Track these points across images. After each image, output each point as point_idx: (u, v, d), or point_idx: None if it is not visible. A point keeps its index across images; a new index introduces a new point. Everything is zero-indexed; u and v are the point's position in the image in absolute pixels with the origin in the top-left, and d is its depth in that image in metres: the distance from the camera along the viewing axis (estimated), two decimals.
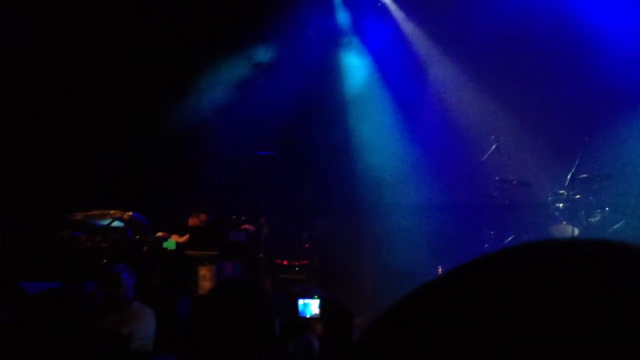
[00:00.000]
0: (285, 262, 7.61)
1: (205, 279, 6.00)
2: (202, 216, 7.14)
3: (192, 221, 7.10)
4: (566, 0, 7.99)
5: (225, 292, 2.14)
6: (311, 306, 4.20)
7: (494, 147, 7.50)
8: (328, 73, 9.03)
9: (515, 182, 7.34)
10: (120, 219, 6.36)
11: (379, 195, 8.77)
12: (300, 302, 4.21)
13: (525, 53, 8.07)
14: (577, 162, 6.85)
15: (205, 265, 6.15)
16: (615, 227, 6.95)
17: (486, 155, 7.57)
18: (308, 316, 4.17)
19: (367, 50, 9.11)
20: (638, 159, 7.24)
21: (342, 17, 9.11)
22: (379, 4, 9.01)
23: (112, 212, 6.45)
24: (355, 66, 9.14)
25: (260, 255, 7.16)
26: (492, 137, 7.58)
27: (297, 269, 7.60)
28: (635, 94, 7.41)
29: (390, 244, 7.92)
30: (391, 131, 8.82)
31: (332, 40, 9.09)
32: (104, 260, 5.69)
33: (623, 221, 6.94)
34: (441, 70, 8.75)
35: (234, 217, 7.24)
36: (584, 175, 6.93)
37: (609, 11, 7.77)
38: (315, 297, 4.29)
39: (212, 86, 8.96)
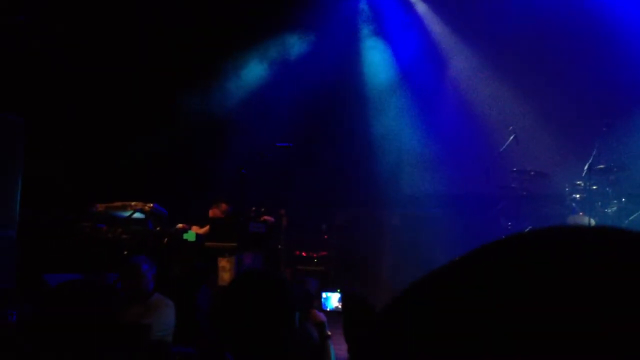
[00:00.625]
0: (304, 254, 7.69)
1: (225, 270, 6.08)
2: (223, 206, 7.20)
3: (212, 212, 7.18)
4: None
5: (245, 284, 2.19)
6: (332, 300, 4.22)
7: (511, 138, 7.49)
8: (350, 64, 9.07)
9: (532, 173, 7.34)
10: (141, 211, 6.45)
11: (397, 186, 8.80)
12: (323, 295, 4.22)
13: (542, 44, 8.04)
14: (594, 153, 6.82)
15: (225, 256, 6.22)
16: (632, 217, 6.92)
17: (504, 147, 7.57)
18: (328, 309, 4.19)
19: (389, 41, 9.12)
20: None
21: (365, 6, 9.13)
22: None
23: (133, 203, 6.54)
24: (377, 57, 9.17)
25: (280, 246, 7.24)
26: (510, 127, 7.56)
27: (315, 260, 7.67)
28: None
29: (409, 234, 7.98)
30: (411, 122, 8.85)
31: (355, 31, 9.12)
32: (125, 252, 5.79)
33: (639, 212, 6.92)
34: (461, 62, 8.76)
35: (253, 208, 7.31)
36: (601, 166, 6.90)
37: (629, 2, 7.70)
38: (338, 290, 4.29)
39: (234, 77, 9.05)
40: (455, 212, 7.90)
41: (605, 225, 0.58)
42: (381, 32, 9.15)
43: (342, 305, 4.22)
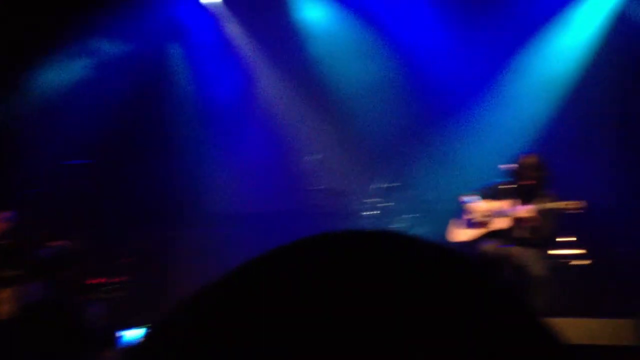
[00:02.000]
0: (101, 280, 7.28)
1: (4, 302, 5.52)
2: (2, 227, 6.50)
3: None
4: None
5: (29, 316, 2.05)
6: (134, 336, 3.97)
7: (313, 156, 7.82)
8: (157, 77, 8.82)
9: (329, 191, 7.73)
10: None
11: (198, 205, 8.74)
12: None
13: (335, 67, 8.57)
14: (383, 172, 7.39)
15: (6, 287, 5.68)
16: (414, 232, 7.59)
17: (308, 164, 7.87)
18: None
19: (195, 57, 9.01)
20: (433, 170, 8.01)
21: (172, 14, 8.90)
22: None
23: None
24: (180, 68, 9.02)
25: (73, 273, 6.78)
26: (314, 147, 7.91)
27: (112, 286, 7.30)
28: (429, 113, 8.24)
29: (210, 254, 7.91)
30: (211, 137, 8.85)
31: (162, 44, 8.88)
32: None
33: (422, 227, 7.61)
34: (266, 80, 8.95)
35: (44, 231, 6.77)
36: (390, 185, 7.49)
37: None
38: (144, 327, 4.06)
39: (31, 86, 8.34)
40: (256, 230, 8.01)
41: (382, 229, 0.62)
42: (188, 47, 9.04)
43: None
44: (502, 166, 5.25)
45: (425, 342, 0.51)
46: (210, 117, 8.82)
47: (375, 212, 7.49)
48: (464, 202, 5.77)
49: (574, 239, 6.98)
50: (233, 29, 8.98)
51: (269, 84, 8.88)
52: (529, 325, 0.57)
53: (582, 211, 5.14)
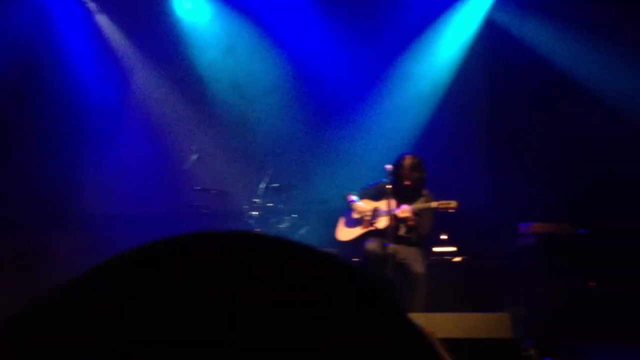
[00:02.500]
0: None
1: None
2: None
3: None
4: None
5: None
6: None
7: (195, 157, 7.64)
8: (22, 69, 8.24)
9: (214, 191, 7.58)
10: None
11: (72, 206, 8.31)
12: None
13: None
14: (269, 172, 7.36)
15: None
16: (301, 231, 7.62)
17: (187, 165, 7.68)
18: None
19: (66, 47, 8.49)
20: (319, 171, 8.10)
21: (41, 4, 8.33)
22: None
23: None
24: (51, 62, 8.48)
25: None
26: (194, 147, 7.72)
27: None
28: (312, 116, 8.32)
29: (83, 257, 7.52)
30: (88, 135, 8.43)
31: (29, 33, 8.30)
32: None
33: (307, 227, 7.66)
34: (144, 76, 8.63)
35: None
36: (275, 185, 7.48)
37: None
38: None
39: None
40: (134, 232, 7.70)
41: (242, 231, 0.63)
42: (60, 40, 8.51)
43: None
44: (386, 166, 5.39)
45: (287, 341, 0.53)
46: (86, 114, 8.38)
47: (261, 212, 7.44)
48: (350, 201, 5.86)
49: (447, 237, 7.30)
50: (106, 23, 8.59)
51: (147, 81, 8.58)
52: (394, 323, 0.62)
53: (455, 211, 5.36)
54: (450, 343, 4.23)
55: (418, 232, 5.63)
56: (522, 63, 7.86)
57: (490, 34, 8.33)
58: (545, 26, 7.98)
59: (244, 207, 7.57)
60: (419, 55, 8.46)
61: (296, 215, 7.58)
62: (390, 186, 5.29)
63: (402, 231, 5.63)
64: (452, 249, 7.25)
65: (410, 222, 5.53)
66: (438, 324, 4.60)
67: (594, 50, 7.68)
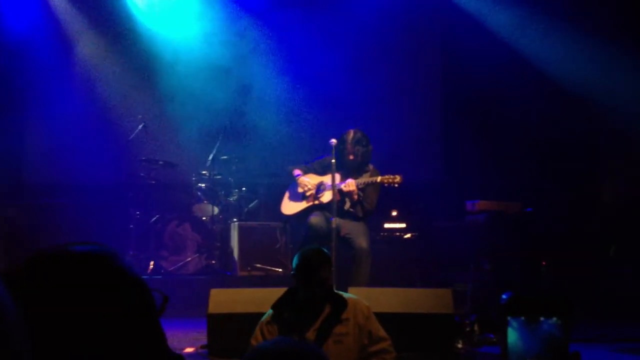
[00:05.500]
0: None
1: None
2: None
3: None
4: None
5: None
6: None
7: (140, 127, 7.44)
8: None
9: (161, 162, 7.40)
10: None
11: (16, 175, 8.05)
12: None
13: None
14: (217, 145, 7.21)
15: None
16: (251, 205, 7.53)
17: (133, 135, 7.49)
18: None
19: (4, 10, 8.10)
20: (269, 145, 7.98)
21: None
22: None
23: None
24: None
25: None
26: (140, 116, 7.52)
27: None
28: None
29: (34, 227, 7.31)
30: (30, 103, 8.14)
31: None
32: None
33: (256, 200, 7.57)
34: (87, 45, 8.34)
35: None
36: (224, 157, 7.34)
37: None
38: None
39: None
40: (81, 202, 7.51)
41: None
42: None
43: None
44: (331, 140, 5.29)
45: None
46: (28, 79, 8.06)
47: (209, 184, 7.31)
48: (295, 176, 5.78)
49: (396, 213, 7.29)
50: None
51: (91, 49, 8.28)
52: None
53: (398, 185, 5.32)
54: (392, 318, 4.21)
55: (363, 207, 5.59)
56: (477, 43, 7.80)
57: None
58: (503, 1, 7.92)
59: (193, 179, 7.43)
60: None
61: (246, 189, 7.47)
62: (334, 160, 5.20)
63: (347, 206, 5.58)
64: (402, 225, 7.24)
65: (354, 196, 5.47)
66: (380, 299, 4.58)
67: (556, 34, 7.64)
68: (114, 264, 0.93)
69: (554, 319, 2.37)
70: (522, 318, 2.38)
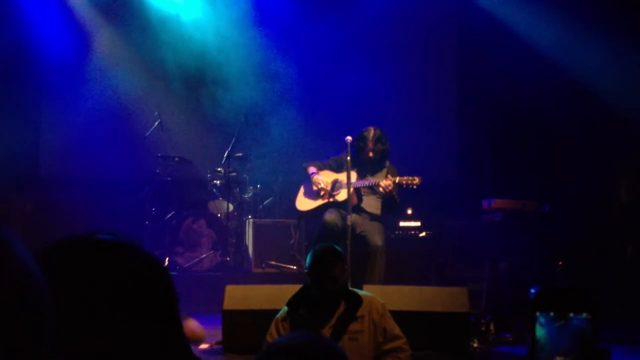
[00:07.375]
0: None
1: None
2: None
3: None
4: None
5: None
6: None
7: (157, 123, 7.47)
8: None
9: (177, 159, 7.43)
10: None
11: (33, 169, 8.11)
12: None
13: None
14: (233, 141, 7.23)
15: None
16: (265, 202, 7.53)
17: (149, 132, 7.51)
18: None
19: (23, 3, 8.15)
20: (284, 142, 7.95)
21: None
22: None
23: None
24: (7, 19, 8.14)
25: None
26: (156, 113, 7.54)
27: None
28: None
29: (49, 220, 7.37)
30: (46, 96, 8.19)
31: None
32: None
33: (271, 197, 7.57)
34: (105, 41, 8.37)
35: None
36: (239, 154, 7.35)
37: None
38: None
39: None
40: (97, 197, 7.55)
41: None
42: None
43: None
44: (347, 138, 5.26)
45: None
46: (45, 74, 8.10)
47: (224, 181, 7.32)
48: (311, 174, 5.76)
49: (411, 211, 7.25)
50: None
51: (108, 45, 8.31)
52: None
53: (416, 187, 5.29)
54: (407, 316, 4.19)
55: (394, 205, 5.55)
56: (494, 41, 7.73)
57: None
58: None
59: (208, 175, 7.44)
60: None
61: (260, 186, 7.48)
62: (350, 158, 5.16)
63: (363, 203, 5.55)
64: (417, 223, 7.20)
65: (392, 191, 5.32)
66: (395, 297, 4.56)
67: (574, 31, 7.54)
68: (141, 254, 0.94)
69: (584, 314, 2.33)
70: (551, 314, 2.34)
